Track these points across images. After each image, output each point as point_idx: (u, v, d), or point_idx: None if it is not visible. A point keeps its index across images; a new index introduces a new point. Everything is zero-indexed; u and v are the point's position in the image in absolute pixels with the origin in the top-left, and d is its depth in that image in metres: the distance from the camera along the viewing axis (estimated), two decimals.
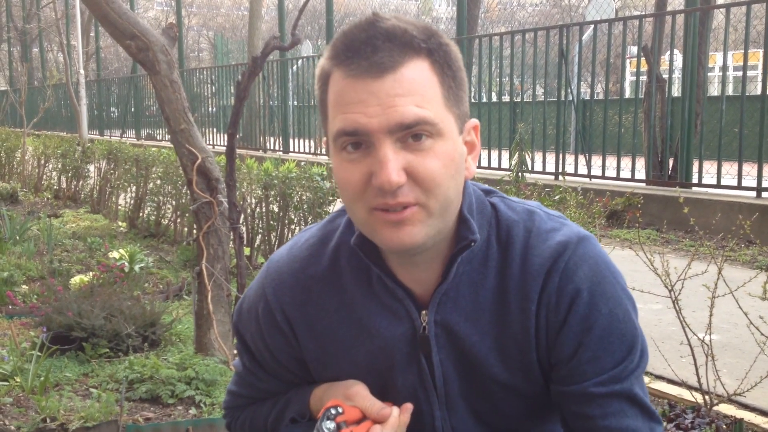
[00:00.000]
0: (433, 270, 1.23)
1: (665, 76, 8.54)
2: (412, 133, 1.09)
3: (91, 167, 8.90)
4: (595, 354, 1.20)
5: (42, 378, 3.10)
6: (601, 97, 10.63)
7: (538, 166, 9.14)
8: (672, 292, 2.75)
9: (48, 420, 2.84)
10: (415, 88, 1.09)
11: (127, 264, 4.88)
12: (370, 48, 1.08)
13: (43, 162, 10.18)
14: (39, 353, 3.26)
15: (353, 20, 1.15)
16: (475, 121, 1.21)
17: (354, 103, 1.09)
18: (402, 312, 1.25)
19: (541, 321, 1.22)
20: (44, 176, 10.16)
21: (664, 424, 2.68)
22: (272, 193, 5.41)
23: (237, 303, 1.42)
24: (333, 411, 1.19)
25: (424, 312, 1.24)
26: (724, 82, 8.04)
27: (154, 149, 7.61)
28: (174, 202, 6.63)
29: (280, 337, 1.32)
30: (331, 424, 1.19)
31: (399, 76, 1.08)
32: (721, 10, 8.34)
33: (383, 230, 1.14)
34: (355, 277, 1.27)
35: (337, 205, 4.78)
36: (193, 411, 3.00)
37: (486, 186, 1.32)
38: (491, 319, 1.23)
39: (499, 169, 9.26)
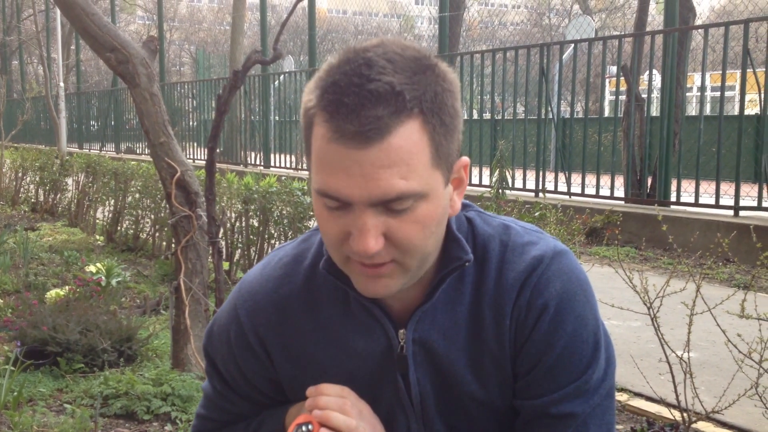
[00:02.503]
0: (414, 289, 1.22)
1: (644, 95, 8.63)
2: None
3: (69, 180, 8.83)
4: (551, 371, 1.19)
5: (15, 393, 3.05)
6: (580, 115, 10.72)
7: (519, 183, 9.18)
8: (651, 310, 2.75)
9: None
10: (401, 157, 1.05)
11: (103, 278, 4.83)
12: (357, 113, 1.02)
13: (20, 175, 10.09)
14: (12, 368, 3.21)
15: (342, 57, 1.08)
16: (465, 160, 1.18)
17: (337, 169, 1.05)
18: (379, 331, 1.23)
19: (511, 334, 1.21)
20: (21, 189, 10.07)
21: None
22: (252, 207, 5.39)
23: (207, 326, 1.38)
24: (304, 428, 1.17)
25: (402, 331, 1.23)
26: (702, 102, 8.14)
27: (133, 163, 7.57)
28: (153, 216, 6.58)
29: (254, 359, 1.30)
30: None
31: (386, 145, 1.03)
32: (699, 30, 8.44)
33: (358, 279, 1.14)
34: (331, 297, 1.26)
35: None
36: (168, 427, 2.96)
37: (462, 200, 1.32)
38: (467, 336, 1.22)
39: (480, 185, 9.28)
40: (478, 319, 1.22)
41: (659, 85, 8.37)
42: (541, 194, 8.63)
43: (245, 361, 1.30)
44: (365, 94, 1.03)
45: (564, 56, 11.46)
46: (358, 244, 1.07)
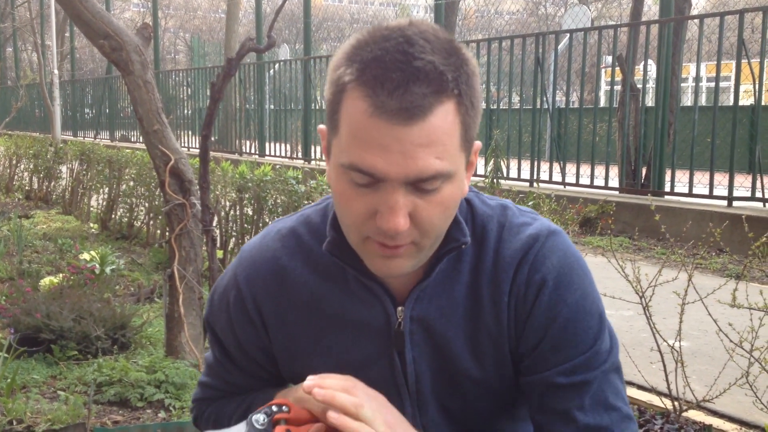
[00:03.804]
0: None
1: (639, 85, 8.63)
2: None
3: (64, 168, 8.81)
4: (558, 343, 1.20)
5: (9, 380, 3.06)
6: (576, 105, 10.72)
7: (513, 173, 9.19)
8: (643, 299, 2.77)
9: (14, 422, 2.80)
10: (438, 137, 1.05)
11: (97, 266, 4.83)
12: (403, 89, 1.02)
13: (14, 162, 10.06)
14: (6, 355, 3.22)
15: (376, 34, 1.06)
16: (478, 144, 1.19)
17: (375, 145, 1.04)
18: (378, 307, 1.24)
19: (511, 313, 1.22)
20: (16, 177, 10.05)
21: None
22: (247, 196, 5.38)
23: (209, 295, 1.39)
24: (275, 408, 1.15)
25: (400, 308, 1.24)
26: (697, 92, 8.15)
27: (128, 150, 7.55)
28: (147, 204, 6.57)
29: (250, 327, 1.31)
30: (261, 417, 1.14)
31: (426, 125, 1.04)
32: (695, 20, 8.44)
33: (374, 259, 1.14)
34: (329, 273, 1.26)
35: None
36: (162, 414, 2.97)
37: None
38: (465, 315, 1.24)
39: (475, 175, 9.28)
40: (476, 298, 1.23)
41: (654, 75, 8.37)
42: (535, 184, 8.64)
43: (242, 328, 1.31)
44: (412, 71, 1.03)
45: (560, 46, 11.43)
46: (388, 222, 1.07)
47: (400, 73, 1.03)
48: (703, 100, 12.44)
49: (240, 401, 1.38)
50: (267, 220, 5.27)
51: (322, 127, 1.17)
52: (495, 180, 6.95)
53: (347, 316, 1.25)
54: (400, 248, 1.11)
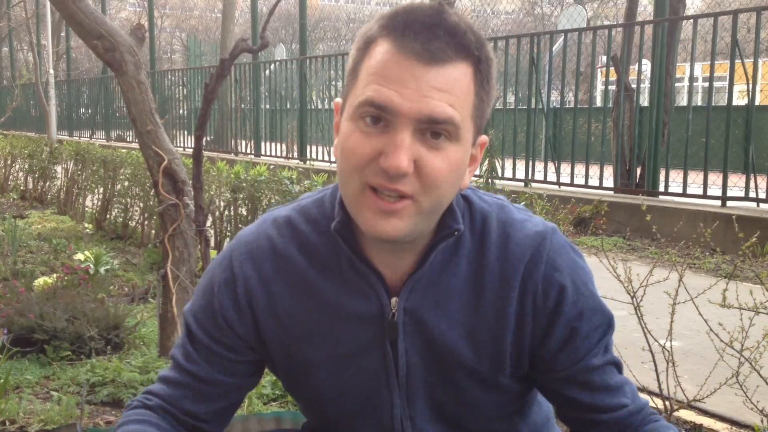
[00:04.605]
0: (408, 257, 1.25)
1: (634, 85, 8.64)
2: (434, 130, 1.11)
3: (59, 168, 8.80)
4: (587, 333, 1.27)
5: (2, 380, 3.05)
6: (571, 105, 10.72)
7: (509, 173, 9.19)
8: (634, 299, 2.77)
9: (7, 423, 2.80)
10: (454, 88, 1.11)
11: (92, 266, 4.82)
12: (430, 35, 1.10)
13: (9, 162, 10.05)
14: None
15: (409, 4, 1.16)
16: (485, 138, 1.24)
17: (393, 80, 1.10)
18: (372, 297, 1.25)
19: (526, 307, 1.25)
20: (10, 176, 10.03)
21: None
22: (241, 196, 5.38)
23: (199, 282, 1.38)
24: None
25: (394, 299, 1.25)
26: (691, 92, 8.16)
27: (123, 151, 7.54)
28: (141, 204, 6.57)
29: (234, 313, 1.29)
30: None
31: (444, 71, 1.10)
32: (689, 21, 8.45)
33: (369, 214, 1.14)
34: (325, 261, 1.27)
35: None
36: None
37: None
38: (461, 307, 1.25)
39: None
40: (477, 291, 1.25)
41: (649, 75, 8.38)
42: (530, 184, 8.65)
43: (225, 314, 1.29)
44: (440, 22, 1.11)
45: (555, 46, 11.45)
46: (392, 159, 1.09)
47: (429, 20, 1.11)
48: (697, 100, 12.45)
49: None
50: None
51: (337, 100, 1.22)
52: (490, 180, 6.95)
53: (341, 305, 1.26)
54: (397, 203, 1.12)
